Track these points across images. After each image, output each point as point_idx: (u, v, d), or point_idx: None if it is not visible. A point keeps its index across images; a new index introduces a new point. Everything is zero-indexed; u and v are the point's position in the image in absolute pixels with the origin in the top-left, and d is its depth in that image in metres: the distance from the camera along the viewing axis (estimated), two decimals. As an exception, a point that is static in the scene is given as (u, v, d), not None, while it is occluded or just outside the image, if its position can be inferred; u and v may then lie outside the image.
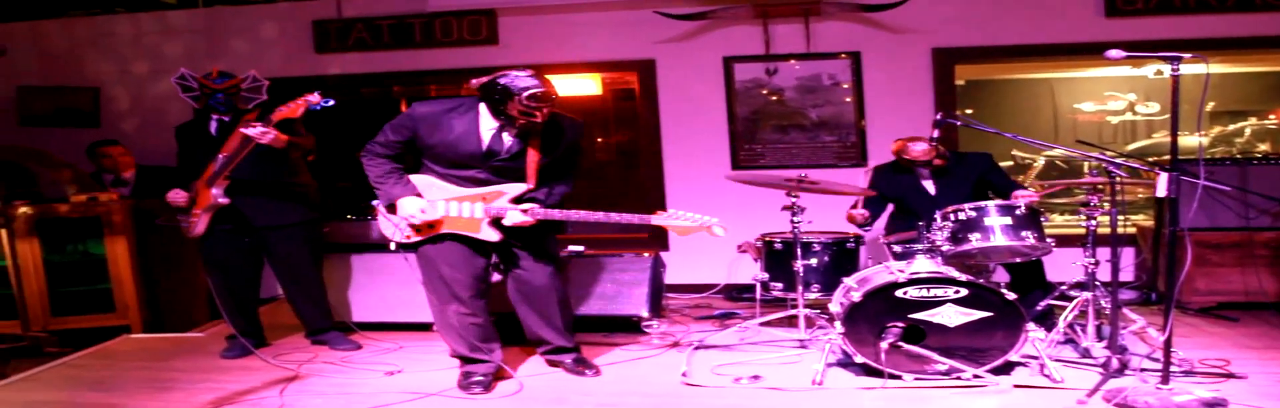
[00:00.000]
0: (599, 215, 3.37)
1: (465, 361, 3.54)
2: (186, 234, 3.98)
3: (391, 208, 3.41)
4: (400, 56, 5.78)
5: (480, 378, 3.44)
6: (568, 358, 3.69)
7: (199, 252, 4.09)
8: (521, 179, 3.38)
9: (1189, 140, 6.26)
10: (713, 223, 3.23)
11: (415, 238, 3.43)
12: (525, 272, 3.53)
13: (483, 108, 3.32)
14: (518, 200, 3.35)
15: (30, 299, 4.84)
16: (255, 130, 3.60)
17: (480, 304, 3.49)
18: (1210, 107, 7.06)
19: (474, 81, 3.26)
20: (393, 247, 3.47)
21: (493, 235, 3.36)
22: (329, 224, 4.56)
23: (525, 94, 3.11)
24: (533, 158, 3.36)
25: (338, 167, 6.71)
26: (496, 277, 3.66)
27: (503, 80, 3.15)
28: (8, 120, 6.11)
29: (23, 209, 4.83)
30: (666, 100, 5.64)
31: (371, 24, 5.76)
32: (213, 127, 3.96)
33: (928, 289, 3.27)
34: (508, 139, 3.33)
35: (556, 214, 3.33)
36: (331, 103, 3.45)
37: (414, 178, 3.44)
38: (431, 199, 3.38)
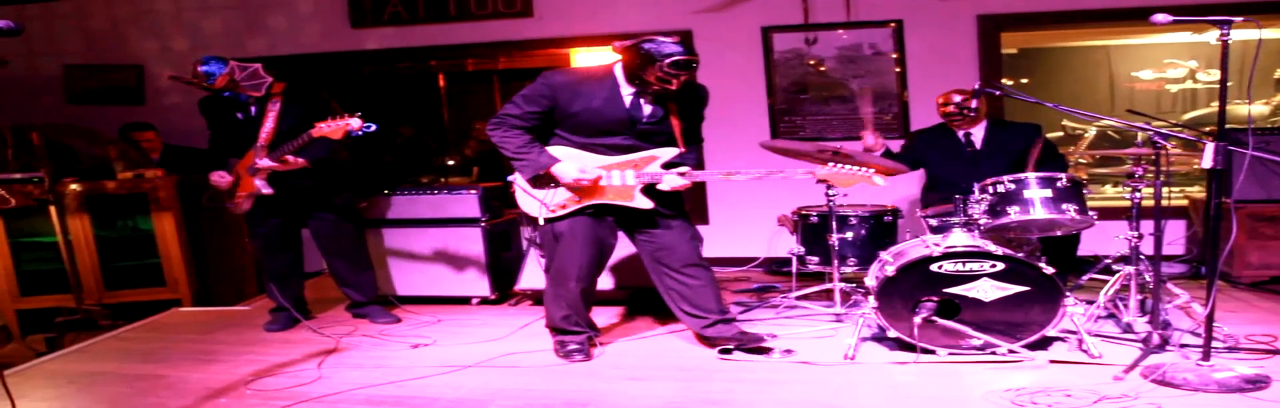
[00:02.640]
0: (759, 172, 3.33)
1: (558, 331, 3.57)
2: (234, 212, 4.06)
3: (536, 181, 3.34)
4: (435, 30, 5.77)
5: (577, 346, 3.50)
6: (731, 330, 3.52)
7: (245, 228, 4.16)
8: (666, 144, 3.33)
9: (1246, 109, 6.03)
10: (871, 173, 3.24)
11: (561, 211, 3.35)
12: (668, 239, 3.42)
13: (619, 74, 3.26)
14: (667, 166, 3.30)
15: (83, 274, 4.99)
16: (266, 163, 3.74)
17: (594, 282, 3.51)
18: (1277, 74, 6.77)
19: (616, 44, 3.19)
20: (542, 222, 3.38)
21: (646, 203, 3.30)
22: (370, 199, 4.60)
23: (667, 61, 3.06)
24: (675, 121, 3.32)
25: (381, 142, 6.78)
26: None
27: (647, 45, 3.08)
28: (56, 99, 6.26)
29: (73, 186, 4.96)
30: (703, 71, 5.53)
31: (407, -2, 5.75)
32: (238, 114, 3.96)
33: (963, 263, 3.21)
34: (645, 104, 3.28)
35: (714, 174, 3.30)
36: (374, 128, 3.41)
37: (549, 150, 3.35)
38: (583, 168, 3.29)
